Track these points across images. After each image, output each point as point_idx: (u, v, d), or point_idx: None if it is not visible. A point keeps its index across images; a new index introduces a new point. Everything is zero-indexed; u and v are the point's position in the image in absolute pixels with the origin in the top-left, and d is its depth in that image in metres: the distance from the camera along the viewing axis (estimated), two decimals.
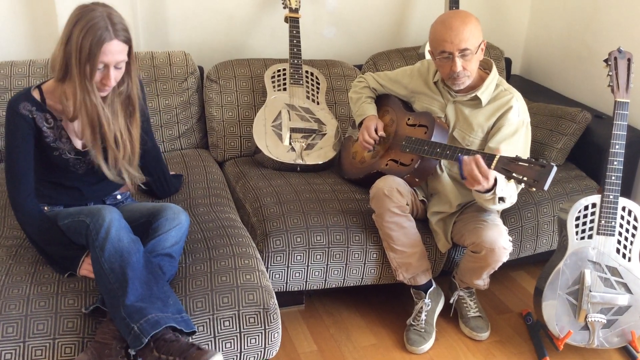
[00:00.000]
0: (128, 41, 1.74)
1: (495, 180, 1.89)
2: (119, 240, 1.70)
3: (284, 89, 2.74)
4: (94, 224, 1.72)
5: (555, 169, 1.75)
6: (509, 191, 1.98)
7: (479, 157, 1.86)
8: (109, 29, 1.67)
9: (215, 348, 1.74)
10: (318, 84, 2.83)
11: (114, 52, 1.69)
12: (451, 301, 2.40)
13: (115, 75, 1.73)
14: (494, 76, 2.19)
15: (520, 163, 1.81)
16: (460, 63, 2.08)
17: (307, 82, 2.80)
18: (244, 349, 1.79)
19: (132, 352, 1.61)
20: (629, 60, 2.13)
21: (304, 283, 2.24)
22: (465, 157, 1.89)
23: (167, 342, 1.58)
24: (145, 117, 1.99)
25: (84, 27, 1.66)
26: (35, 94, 1.80)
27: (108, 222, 1.71)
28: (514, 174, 1.81)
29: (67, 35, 1.68)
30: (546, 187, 1.73)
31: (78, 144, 1.87)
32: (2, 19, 2.73)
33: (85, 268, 1.81)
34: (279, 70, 2.80)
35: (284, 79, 2.77)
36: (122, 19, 1.74)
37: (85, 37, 1.65)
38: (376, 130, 2.37)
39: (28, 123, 1.77)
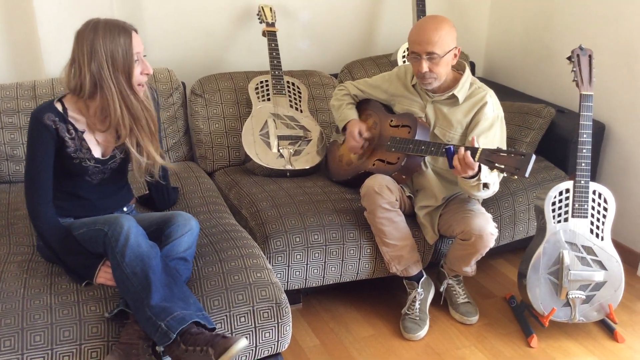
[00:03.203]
0: (137, 31, 1.88)
1: (480, 167, 2.05)
2: (138, 246, 1.78)
3: (268, 99, 2.86)
4: (112, 232, 1.80)
5: (534, 157, 1.91)
6: (492, 178, 2.15)
7: (462, 149, 2.02)
8: (124, 25, 1.81)
9: None
10: (300, 93, 2.96)
11: (139, 42, 1.84)
12: (441, 289, 2.55)
13: (148, 63, 1.86)
14: (468, 75, 2.37)
15: (501, 154, 1.97)
16: (427, 65, 2.24)
17: (289, 91, 2.93)
18: (259, 342, 1.89)
19: (161, 349, 1.70)
20: (589, 56, 2.34)
21: (304, 281, 2.35)
22: (452, 148, 2.04)
23: (193, 335, 1.67)
24: (159, 127, 2.09)
25: (104, 37, 1.77)
26: (58, 106, 1.87)
27: (127, 229, 1.79)
28: (496, 164, 1.96)
29: (88, 52, 1.77)
30: (527, 174, 1.89)
31: (98, 153, 1.94)
32: None
33: (102, 276, 1.88)
34: (261, 82, 2.92)
35: (267, 90, 2.89)
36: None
37: (111, 44, 1.76)
38: (360, 134, 2.51)
39: (51, 133, 1.84)
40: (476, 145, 2.02)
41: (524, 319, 2.48)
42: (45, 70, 2.83)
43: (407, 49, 2.34)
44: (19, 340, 1.67)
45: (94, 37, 1.76)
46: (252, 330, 1.87)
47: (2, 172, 2.60)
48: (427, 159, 2.41)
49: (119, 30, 1.79)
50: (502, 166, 1.94)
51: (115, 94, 1.80)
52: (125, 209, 2.15)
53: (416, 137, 2.32)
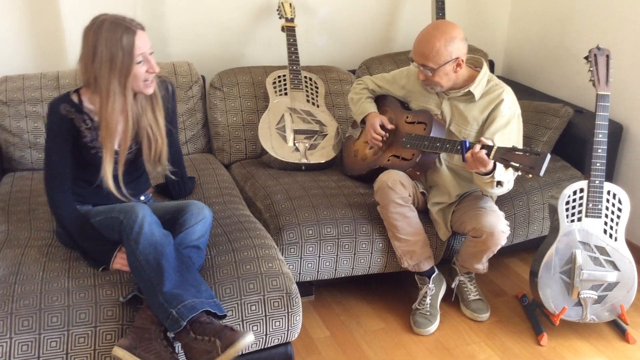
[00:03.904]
0: (144, 29, 1.89)
1: (495, 163, 2.06)
2: (152, 234, 1.82)
3: (285, 94, 2.90)
4: (128, 220, 1.85)
5: (549, 156, 1.91)
6: (507, 176, 2.15)
7: (477, 146, 2.03)
8: (130, 25, 1.83)
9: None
10: (317, 88, 2.99)
11: (145, 40, 1.86)
12: (453, 286, 2.57)
13: (154, 61, 1.88)
14: (485, 72, 2.37)
15: (516, 152, 1.97)
16: (423, 75, 2.27)
17: (307, 86, 2.95)
18: (269, 331, 1.92)
19: (171, 335, 1.74)
20: (607, 56, 2.33)
21: (316, 273, 2.38)
22: (468, 142, 2.06)
23: (203, 324, 1.71)
24: (173, 122, 2.13)
25: (107, 38, 1.80)
26: (74, 97, 1.93)
27: (141, 218, 1.84)
28: (511, 163, 1.97)
29: (92, 52, 1.81)
30: (542, 173, 1.89)
31: (114, 144, 1.99)
32: (9, 34, 2.84)
33: (118, 262, 1.93)
34: (279, 76, 2.95)
35: (285, 84, 2.92)
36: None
37: (113, 45, 1.79)
38: (382, 126, 2.53)
39: (67, 123, 1.90)
40: (491, 143, 2.04)
41: (535, 318, 2.48)
42: (69, 61, 2.90)
43: None
44: (37, 320, 1.72)
45: (97, 37, 1.80)
46: (262, 319, 1.90)
47: (25, 160, 2.67)
48: (443, 155, 2.43)
49: (123, 30, 1.81)
50: (517, 165, 1.95)
51: (104, 92, 1.83)
52: (142, 197, 2.20)
53: (431, 134, 2.34)
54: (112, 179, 1.93)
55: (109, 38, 1.80)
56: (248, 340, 1.66)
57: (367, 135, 2.55)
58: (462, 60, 2.25)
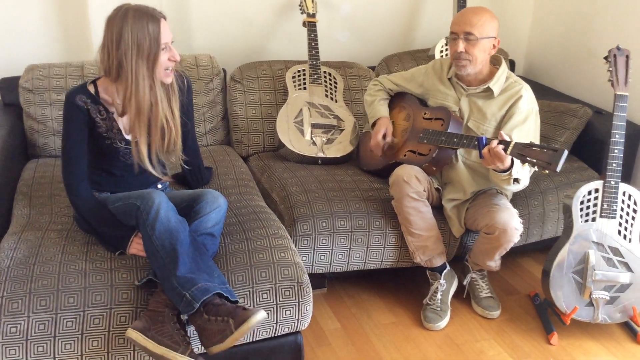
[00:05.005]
0: (166, 18, 1.94)
1: (512, 161, 2.07)
2: (168, 220, 1.87)
3: (304, 88, 2.93)
4: (145, 206, 1.89)
5: (566, 152, 1.91)
6: (523, 173, 2.16)
7: (494, 141, 2.04)
8: (153, 13, 1.89)
9: None
10: (336, 83, 3.01)
11: (167, 29, 1.91)
12: (465, 283, 2.58)
13: (175, 50, 1.93)
14: (504, 69, 2.38)
15: (534, 148, 1.98)
16: (463, 45, 2.28)
17: (326, 81, 2.98)
18: (280, 320, 1.96)
19: (185, 317, 1.79)
20: (627, 57, 2.32)
21: (328, 265, 2.41)
22: (485, 138, 2.07)
23: (216, 306, 1.75)
24: (190, 115, 2.17)
25: (133, 24, 1.85)
26: (90, 88, 1.98)
27: (157, 204, 1.88)
28: (528, 158, 1.97)
29: (116, 39, 1.86)
30: (559, 169, 1.89)
31: (128, 134, 2.04)
32: (36, 24, 2.91)
33: (135, 247, 1.98)
34: (298, 71, 2.98)
35: (304, 79, 2.95)
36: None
37: (140, 31, 1.84)
38: (385, 136, 2.56)
39: (83, 113, 1.95)
40: (508, 139, 2.05)
41: (546, 317, 2.48)
42: (93, 51, 2.95)
43: (446, 41, 2.38)
44: (54, 300, 1.78)
45: (122, 24, 1.85)
46: (273, 307, 1.93)
47: (49, 147, 2.74)
48: (460, 151, 2.44)
49: (148, 17, 1.86)
50: (534, 160, 1.95)
51: (131, 81, 1.88)
52: (159, 185, 2.25)
53: (449, 130, 2.35)
54: (148, 161, 2.00)
55: (134, 25, 1.85)
56: (260, 317, 1.70)
57: (372, 140, 2.60)
58: (497, 44, 2.33)
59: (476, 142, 2.18)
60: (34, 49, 2.95)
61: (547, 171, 1.92)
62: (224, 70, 3.07)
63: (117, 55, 1.87)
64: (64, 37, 2.99)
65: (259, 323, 1.70)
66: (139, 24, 1.85)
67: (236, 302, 1.84)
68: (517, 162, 2.07)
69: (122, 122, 2.03)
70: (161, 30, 1.88)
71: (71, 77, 2.76)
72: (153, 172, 2.04)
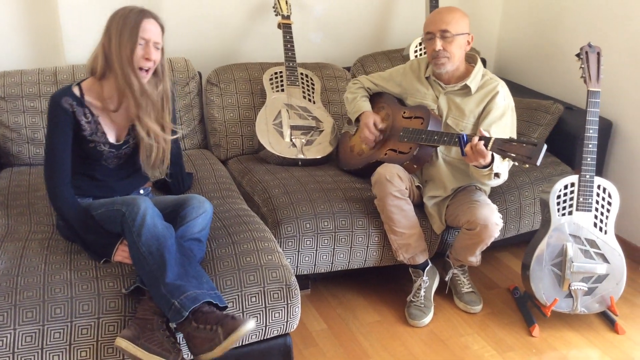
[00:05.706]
0: (162, 27, 1.95)
1: (493, 156, 2.11)
2: (154, 226, 1.85)
3: (282, 90, 2.93)
4: (130, 212, 1.87)
5: (545, 146, 1.96)
6: (503, 167, 2.21)
7: (475, 138, 2.08)
8: (144, 12, 1.91)
9: None
10: (313, 84, 3.02)
11: (152, 29, 1.90)
12: (446, 279, 2.61)
13: (155, 57, 1.91)
14: (480, 67, 2.44)
15: (513, 143, 2.02)
16: (440, 43, 2.33)
17: (303, 83, 2.99)
18: (269, 322, 1.96)
19: (173, 326, 1.77)
20: (598, 54, 2.38)
21: (313, 267, 2.42)
22: (466, 136, 2.10)
23: (205, 314, 1.74)
24: (173, 117, 2.16)
25: (120, 18, 1.89)
26: (76, 90, 1.96)
27: (143, 210, 1.86)
28: (508, 153, 2.01)
29: (107, 35, 1.89)
30: (539, 163, 1.94)
31: (112, 138, 2.02)
32: (7, 30, 2.85)
33: (120, 254, 1.96)
34: (275, 73, 2.98)
35: (282, 81, 2.96)
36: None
37: (124, 24, 1.86)
38: (375, 125, 2.57)
39: (68, 116, 1.93)
40: (488, 135, 2.09)
41: (526, 310, 2.54)
42: (65, 57, 2.91)
43: (420, 40, 2.41)
44: (41, 311, 1.75)
45: (112, 20, 1.90)
46: (262, 310, 1.94)
47: (23, 155, 2.69)
48: (440, 149, 2.47)
49: (136, 12, 1.90)
50: (514, 155, 1.99)
51: (119, 70, 1.88)
52: (141, 191, 2.23)
53: (429, 128, 2.38)
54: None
55: (121, 17, 1.89)
56: (249, 327, 1.70)
57: (362, 133, 2.60)
58: (471, 40, 2.40)
59: (457, 139, 2.21)
60: (4, 55, 2.89)
61: (527, 165, 1.96)
62: (200, 74, 3.05)
63: (102, 45, 1.89)
64: (34, 43, 2.93)
65: (247, 333, 1.70)
66: (124, 16, 1.88)
67: (225, 307, 1.84)
68: (497, 157, 2.11)
69: (108, 125, 2.02)
70: (142, 23, 1.88)
71: (44, 83, 2.71)
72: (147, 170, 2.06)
